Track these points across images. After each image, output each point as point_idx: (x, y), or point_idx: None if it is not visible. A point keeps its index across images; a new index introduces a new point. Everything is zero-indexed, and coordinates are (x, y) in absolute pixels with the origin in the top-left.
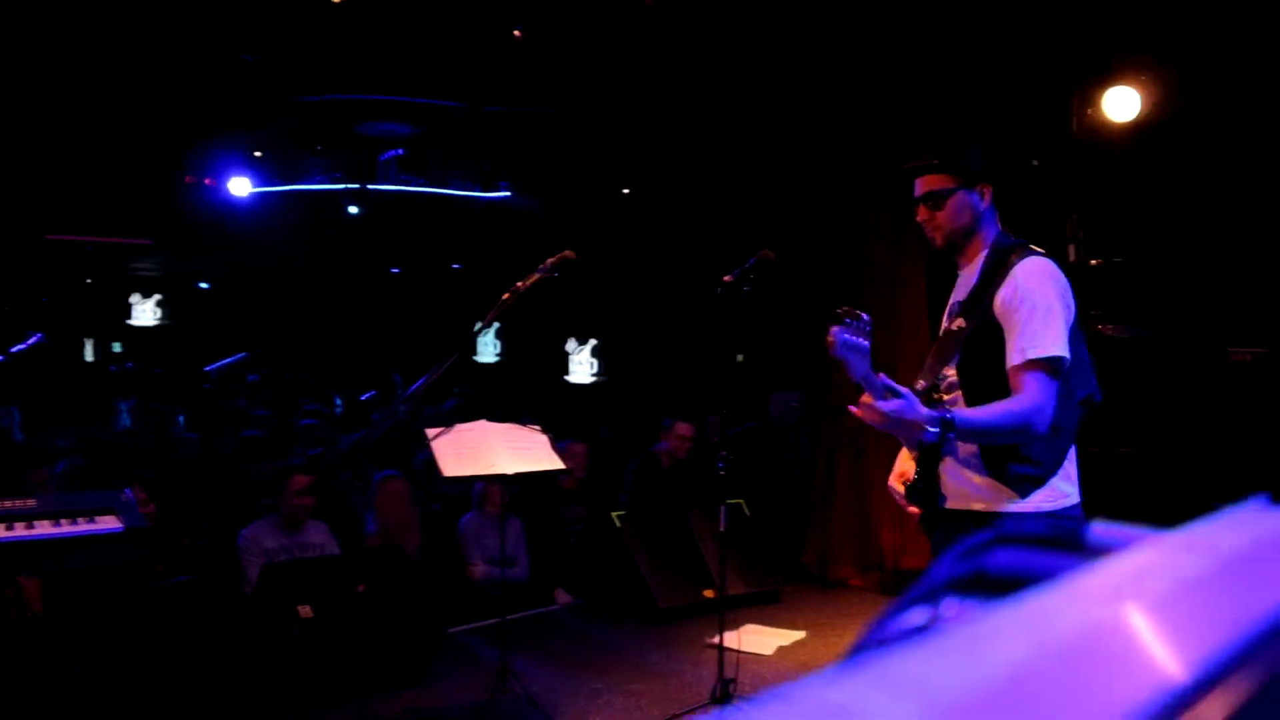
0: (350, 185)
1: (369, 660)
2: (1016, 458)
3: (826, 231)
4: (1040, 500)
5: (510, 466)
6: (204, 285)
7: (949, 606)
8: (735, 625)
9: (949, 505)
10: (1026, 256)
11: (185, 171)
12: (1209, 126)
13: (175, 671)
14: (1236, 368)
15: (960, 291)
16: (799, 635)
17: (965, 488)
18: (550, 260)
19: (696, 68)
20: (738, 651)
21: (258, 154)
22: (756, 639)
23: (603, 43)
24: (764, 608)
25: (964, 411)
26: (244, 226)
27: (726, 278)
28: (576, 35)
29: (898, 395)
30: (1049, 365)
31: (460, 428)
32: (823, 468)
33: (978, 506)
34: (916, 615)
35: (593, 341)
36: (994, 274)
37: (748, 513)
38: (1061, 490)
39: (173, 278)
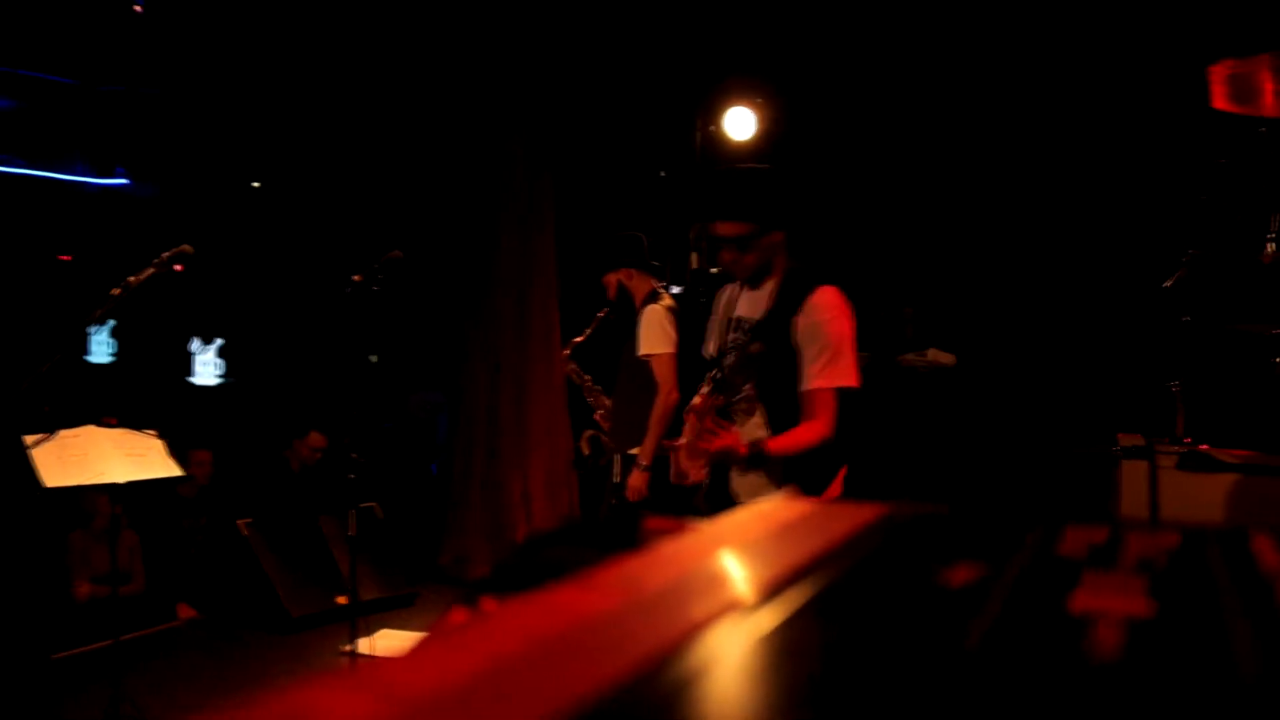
0: None
1: None
2: (811, 468)
3: (456, 230)
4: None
5: (122, 475)
6: None
7: (489, 604)
8: (369, 631)
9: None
10: (821, 285)
11: None
12: (812, 147)
13: None
14: None
15: (747, 308)
16: None
17: (765, 491)
18: (166, 254)
19: (330, 59)
20: (372, 658)
21: None
22: (391, 644)
23: (233, 25)
24: (399, 612)
25: (775, 443)
26: None
27: (356, 276)
28: (204, 14)
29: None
30: (842, 395)
31: (65, 434)
32: (458, 468)
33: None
34: (457, 615)
35: (218, 341)
36: (790, 300)
37: (381, 515)
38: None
39: None
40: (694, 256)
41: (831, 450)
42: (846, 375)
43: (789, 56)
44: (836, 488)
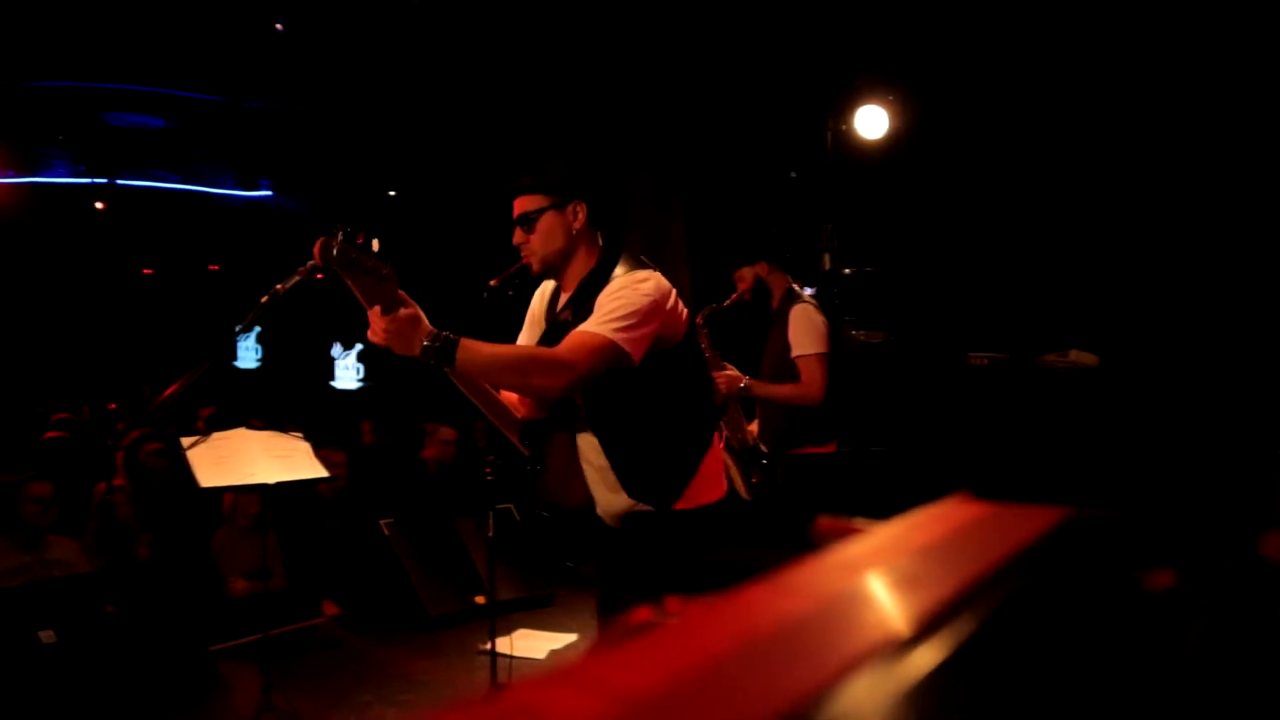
0: (97, 179)
1: (124, 686)
2: (649, 467)
3: None
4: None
5: (271, 475)
6: None
7: (674, 604)
8: (507, 630)
9: (601, 510)
10: (640, 269)
11: None
12: (948, 144)
13: None
14: (974, 371)
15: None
16: (571, 638)
17: (610, 495)
18: (311, 262)
19: (460, 68)
20: (510, 657)
21: None
22: (529, 643)
23: (368, 40)
24: (536, 611)
25: (473, 343)
26: None
27: (492, 282)
28: (341, 31)
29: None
30: (599, 342)
31: (218, 436)
32: None
33: (618, 510)
34: (643, 614)
35: (358, 346)
36: (594, 287)
37: (518, 517)
38: (702, 497)
39: None
40: (825, 257)
41: (553, 399)
42: (605, 325)
43: (922, 51)
44: (707, 488)
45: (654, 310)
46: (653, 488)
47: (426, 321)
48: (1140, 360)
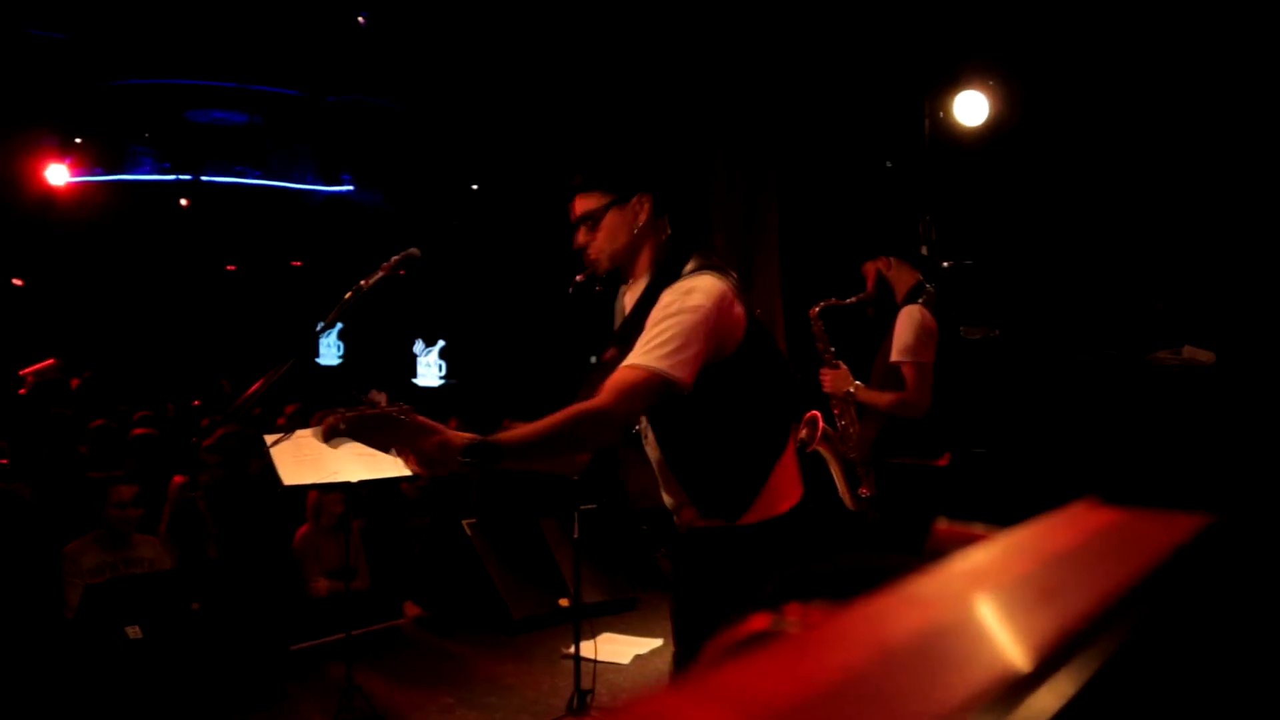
0: (181, 176)
1: (207, 683)
2: (716, 484)
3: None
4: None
5: (355, 474)
6: (16, 282)
7: (793, 611)
8: (592, 634)
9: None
10: (696, 272)
11: None
12: (1053, 131)
13: None
14: (1081, 370)
15: (621, 317)
16: (656, 643)
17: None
18: (395, 258)
19: (544, 61)
20: (594, 661)
21: (77, 140)
22: (613, 648)
23: (450, 33)
24: (621, 615)
25: (510, 434)
26: (61, 218)
27: (579, 276)
28: (422, 24)
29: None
30: (645, 376)
31: (301, 433)
32: None
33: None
34: (761, 621)
35: (440, 343)
36: (654, 296)
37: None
38: (770, 509)
39: None
40: (923, 250)
41: (614, 443)
42: (653, 356)
43: (1022, 34)
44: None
45: (704, 323)
46: (721, 504)
47: (455, 436)
48: (1260, 356)
